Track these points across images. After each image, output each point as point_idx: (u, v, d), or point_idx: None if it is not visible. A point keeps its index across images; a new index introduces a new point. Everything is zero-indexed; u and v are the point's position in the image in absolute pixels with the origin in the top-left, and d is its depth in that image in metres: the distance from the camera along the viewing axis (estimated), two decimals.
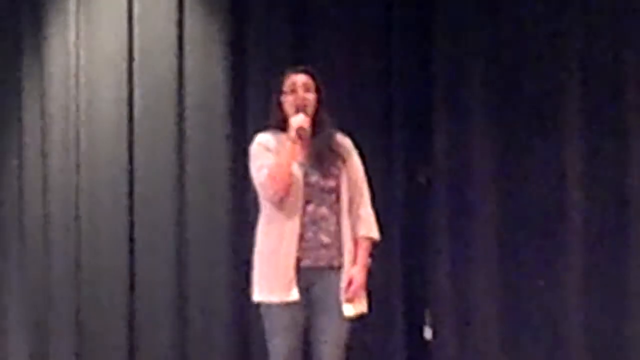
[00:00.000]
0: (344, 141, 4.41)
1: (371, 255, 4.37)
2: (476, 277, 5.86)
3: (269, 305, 4.28)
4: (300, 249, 4.26)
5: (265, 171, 4.24)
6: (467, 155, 5.92)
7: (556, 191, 5.78)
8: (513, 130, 5.86)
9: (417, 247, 5.98)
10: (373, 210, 4.41)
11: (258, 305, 4.34)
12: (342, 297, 4.24)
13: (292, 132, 4.23)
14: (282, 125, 4.34)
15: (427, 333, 5.95)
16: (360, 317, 4.32)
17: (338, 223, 4.29)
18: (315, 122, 4.33)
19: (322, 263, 4.28)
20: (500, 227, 5.85)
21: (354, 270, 4.27)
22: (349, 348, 4.30)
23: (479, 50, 5.94)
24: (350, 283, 4.25)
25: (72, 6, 6.12)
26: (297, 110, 4.29)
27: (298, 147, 4.26)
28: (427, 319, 5.95)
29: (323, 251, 4.28)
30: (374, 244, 4.40)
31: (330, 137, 4.35)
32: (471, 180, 5.90)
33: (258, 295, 4.32)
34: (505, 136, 5.87)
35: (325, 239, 4.28)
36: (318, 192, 4.28)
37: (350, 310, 4.24)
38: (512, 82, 5.88)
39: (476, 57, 5.94)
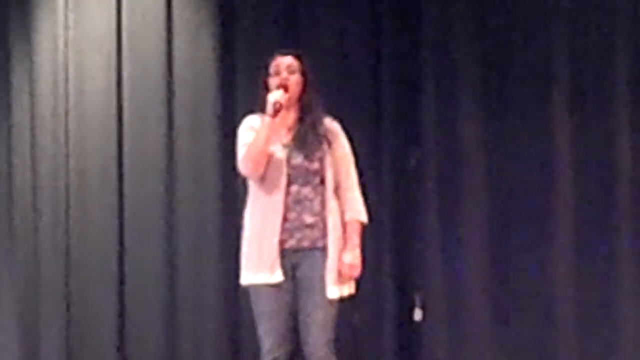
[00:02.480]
0: (332, 125, 4.42)
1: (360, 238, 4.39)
2: (466, 260, 5.88)
3: (256, 288, 4.31)
4: (284, 229, 4.29)
5: (244, 149, 4.28)
6: (456, 139, 5.93)
7: (545, 175, 5.79)
8: (501, 114, 5.86)
9: (407, 230, 5.99)
10: (361, 194, 4.42)
11: (247, 290, 4.36)
12: (327, 278, 4.26)
13: (269, 107, 4.25)
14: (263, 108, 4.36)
15: (417, 315, 5.97)
16: (348, 298, 4.34)
17: (323, 204, 4.31)
18: (302, 105, 4.35)
19: (305, 244, 4.30)
20: (489, 210, 5.86)
21: (345, 254, 4.29)
22: (337, 329, 4.31)
23: (468, 35, 5.94)
24: (341, 266, 4.27)
25: None
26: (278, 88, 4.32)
27: (277, 124, 4.27)
28: (417, 301, 5.97)
29: (307, 231, 4.30)
30: (363, 227, 4.42)
31: (317, 120, 4.36)
32: (460, 164, 5.91)
33: (244, 278, 4.35)
34: (494, 119, 5.88)
35: (309, 219, 4.30)
36: (302, 174, 4.31)
37: (335, 292, 4.25)
38: (500, 65, 5.88)
39: (464, 42, 5.94)
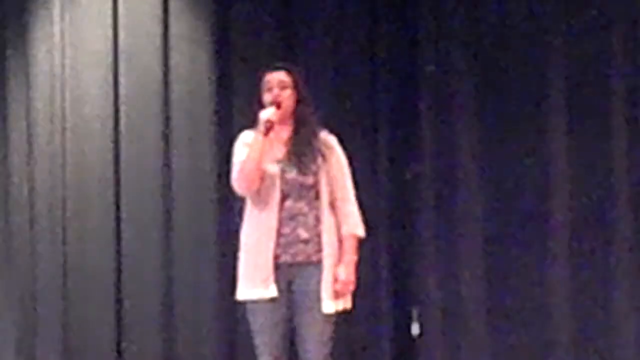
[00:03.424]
0: (327, 138, 4.39)
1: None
2: (463, 274, 5.87)
3: (251, 303, 4.30)
4: (279, 244, 4.26)
5: (238, 167, 4.27)
6: (453, 152, 5.93)
7: (543, 185, 5.79)
8: (498, 126, 5.87)
9: (404, 244, 5.99)
10: (358, 207, 4.39)
11: (244, 303, 4.34)
12: (323, 293, 4.23)
13: (260, 125, 4.24)
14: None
15: (415, 329, 5.96)
16: (344, 313, 4.31)
17: (318, 218, 4.28)
18: (296, 119, 4.34)
19: (300, 258, 4.27)
20: (487, 224, 5.86)
21: (339, 269, 4.26)
22: (333, 344, 4.28)
23: (465, 45, 5.95)
24: (335, 281, 4.24)
25: (57, 4, 6.11)
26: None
27: (269, 141, 4.26)
28: (415, 315, 5.96)
29: (301, 246, 4.27)
30: (360, 241, 4.38)
31: (311, 134, 4.33)
32: (457, 177, 5.91)
33: (240, 293, 4.33)
34: (491, 131, 5.88)
35: (303, 234, 4.28)
36: (296, 189, 4.28)
37: (330, 307, 4.23)
38: (497, 74, 5.89)
39: (462, 53, 5.95)
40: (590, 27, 5.74)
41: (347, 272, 4.26)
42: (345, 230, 4.32)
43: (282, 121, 4.32)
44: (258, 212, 4.28)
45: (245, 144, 4.32)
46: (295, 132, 4.33)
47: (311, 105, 4.38)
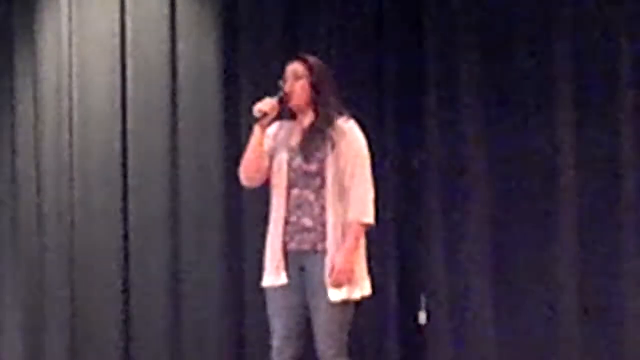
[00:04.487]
0: (342, 125, 4.35)
1: (367, 238, 4.34)
2: (470, 262, 5.87)
3: (266, 290, 4.35)
4: (286, 232, 4.30)
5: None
6: (459, 140, 5.93)
7: (549, 175, 5.79)
8: (505, 114, 5.87)
9: (411, 232, 6.00)
10: (371, 193, 4.35)
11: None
12: (326, 281, 4.23)
13: (254, 115, 4.30)
14: (289, 114, 4.40)
15: (422, 318, 5.97)
16: (362, 300, 4.29)
17: (323, 207, 4.28)
18: (315, 108, 4.34)
19: (306, 247, 4.29)
20: (493, 211, 5.86)
21: (336, 257, 4.23)
22: (349, 332, 4.28)
23: (470, 38, 5.95)
24: (332, 268, 4.23)
25: None
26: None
27: (290, 129, 4.33)
28: (422, 304, 5.96)
29: (305, 235, 4.29)
30: (368, 228, 4.31)
31: (325, 121, 4.32)
32: (464, 165, 5.91)
33: (263, 281, 4.38)
34: (497, 120, 5.88)
35: (307, 222, 4.29)
36: (301, 176, 4.30)
37: (336, 294, 4.22)
38: (503, 66, 5.89)
39: (466, 44, 5.95)
40: (598, 25, 5.74)
41: (342, 261, 4.22)
42: (349, 217, 4.27)
43: (300, 110, 4.36)
44: (273, 200, 4.34)
45: (266, 135, 4.35)
46: (315, 119, 4.35)
47: (331, 93, 4.37)
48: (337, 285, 4.22)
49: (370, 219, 4.29)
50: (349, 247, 4.23)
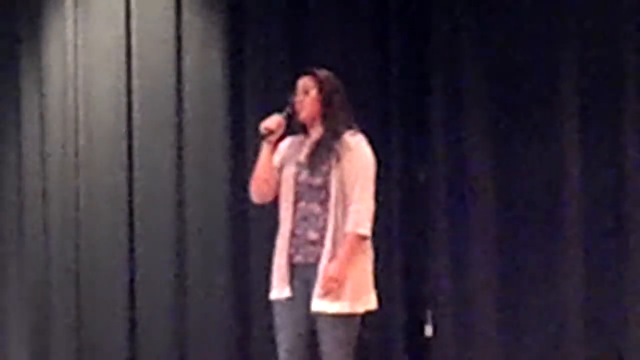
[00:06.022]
0: (349, 139, 4.35)
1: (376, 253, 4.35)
2: (476, 275, 5.87)
3: (273, 302, 4.37)
4: (292, 245, 4.32)
5: None
6: (465, 153, 5.94)
7: (554, 187, 5.79)
8: (510, 127, 5.88)
9: (417, 245, 6.00)
10: (373, 208, 4.36)
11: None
12: (315, 292, 4.24)
13: (260, 132, 4.34)
14: (301, 129, 4.42)
15: (428, 330, 5.97)
16: (367, 314, 4.29)
17: (327, 220, 4.29)
18: (325, 121, 4.36)
19: (311, 259, 4.30)
20: (499, 224, 5.86)
21: (330, 265, 4.22)
22: (354, 346, 4.27)
23: (476, 51, 5.96)
24: (324, 277, 4.21)
25: (69, 4, 6.14)
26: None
27: (299, 143, 4.36)
28: (428, 317, 5.96)
29: (311, 247, 4.30)
30: (362, 240, 4.26)
31: (332, 135, 4.33)
32: (469, 177, 5.91)
33: (270, 294, 4.40)
34: (503, 132, 5.89)
35: (312, 235, 4.30)
36: (307, 190, 4.32)
37: (319, 305, 4.21)
38: (509, 80, 5.89)
39: (473, 57, 5.96)
40: (603, 41, 5.74)
41: (334, 269, 4.21)
42: (346, 228, 4.26)
43: (310, 124, 4.38)
44: (282, 213, 4.36)
45: (277, 152, 4.39)
46: (324, 132, 4.36)
47: (340, 108, 4.38)
48: (326, 292, 4.20)
49: (366, 230, 4.28)
50: (343, 257, 4.23)
